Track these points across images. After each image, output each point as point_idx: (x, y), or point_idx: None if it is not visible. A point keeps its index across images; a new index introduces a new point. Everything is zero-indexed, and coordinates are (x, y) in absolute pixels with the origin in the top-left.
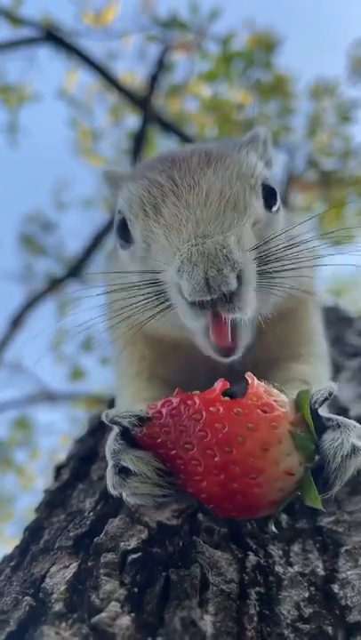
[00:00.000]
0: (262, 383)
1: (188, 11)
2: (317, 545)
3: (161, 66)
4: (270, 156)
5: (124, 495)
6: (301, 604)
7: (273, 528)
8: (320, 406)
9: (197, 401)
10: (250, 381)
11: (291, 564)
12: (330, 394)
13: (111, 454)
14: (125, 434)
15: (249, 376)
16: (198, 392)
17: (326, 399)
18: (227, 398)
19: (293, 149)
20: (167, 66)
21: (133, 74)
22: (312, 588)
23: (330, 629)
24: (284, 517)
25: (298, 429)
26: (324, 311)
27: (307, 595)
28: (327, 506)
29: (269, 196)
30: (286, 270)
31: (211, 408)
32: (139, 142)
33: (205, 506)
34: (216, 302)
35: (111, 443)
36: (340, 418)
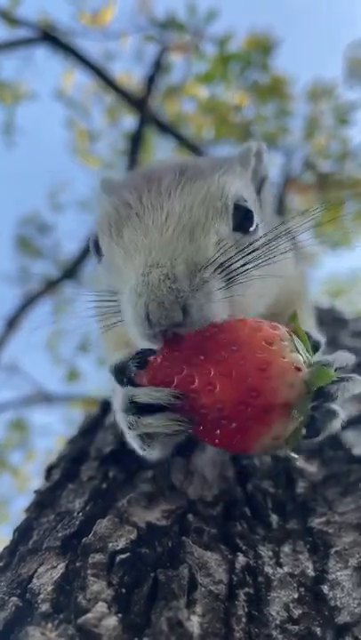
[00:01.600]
0: None
1: (185, 11)
2: (308, 546)
3: (158, 67)
4: (265, 169)
5: (136, 441)
6: (291, 605)
7: (293, 453)
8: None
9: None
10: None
11: (280, 565)
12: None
13: (125, 398)
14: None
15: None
16: None
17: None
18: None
19: (291, 151)
20: (164, 67)
21: (130, 75)
22: (302, 589)
23: (318, 630)
24: (274, 518)
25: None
26: (319, 312)
27: (296, 596)
28: (318, 506)
29: (244, 218)
30: (250, 279)
31: (212, 328)
32: (136, 143)
33: (221, 424)
34: (165, 330)
35: (123, 392)
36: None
